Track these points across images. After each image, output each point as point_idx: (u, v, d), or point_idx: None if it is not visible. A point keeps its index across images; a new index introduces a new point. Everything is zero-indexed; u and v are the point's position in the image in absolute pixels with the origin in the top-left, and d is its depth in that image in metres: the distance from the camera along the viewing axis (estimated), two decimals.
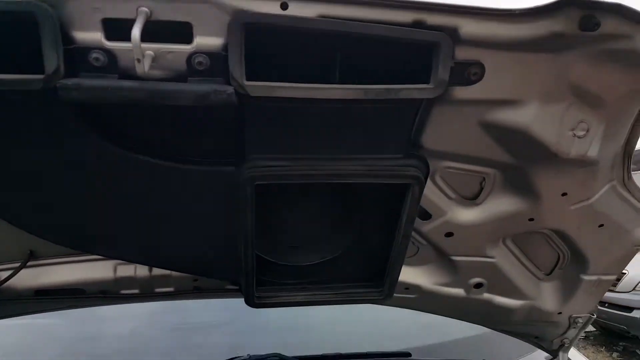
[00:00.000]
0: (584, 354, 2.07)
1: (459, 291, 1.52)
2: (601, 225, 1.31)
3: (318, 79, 0.90)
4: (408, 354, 1.77)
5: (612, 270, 1.46)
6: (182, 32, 0.84)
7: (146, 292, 1.45)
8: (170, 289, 1.46)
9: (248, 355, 1.66)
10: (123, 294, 1.46)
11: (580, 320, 1.61)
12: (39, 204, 1.11)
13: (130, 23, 0.80)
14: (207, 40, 0.85)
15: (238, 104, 0.87)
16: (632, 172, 1.24)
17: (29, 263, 1.32)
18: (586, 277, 1.47)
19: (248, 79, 0.86)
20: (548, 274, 1.51)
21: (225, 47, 0.85)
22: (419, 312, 1.77)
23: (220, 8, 0.83)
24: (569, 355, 1.84)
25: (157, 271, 1.41)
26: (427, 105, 1.00)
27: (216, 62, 0.85)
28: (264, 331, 1.99)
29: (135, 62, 0.82)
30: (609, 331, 6.98)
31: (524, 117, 1.03)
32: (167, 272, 1.41)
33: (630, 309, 6.07)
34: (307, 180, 1.08)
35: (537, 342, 1.77)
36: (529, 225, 1.32)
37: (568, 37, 0.89)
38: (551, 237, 1.38)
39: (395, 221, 1.20)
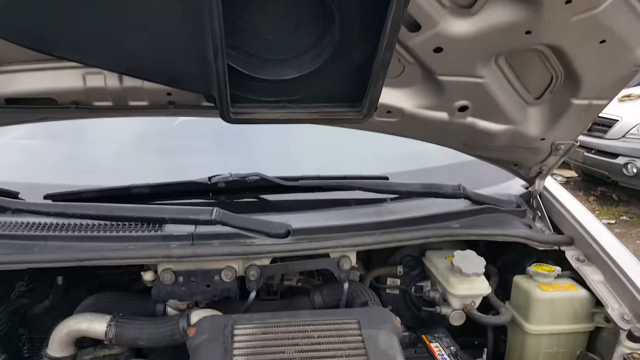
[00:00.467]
0: None
1: (442, 115, 1.49)
2: (602, 42, 1.22)
3: None
4: (386, 178, 1.82)
5: (605, 94, 1.42)
6: None
7: (119, 104, 1.41)
8: (144, 103, 1.42)
9: (229, 173, 1.70)
10: (96, 105, 1.42)
11: (562, 147, 1.62)
12: None
13: None
14: None
15: None
16: None
17: None
18: (577, 102, 1.43)
19: None
20: (537, 98, 1.46)
21: None
22: (398, 141, 1.78)
23: None
24: (544, 184, 1.90)
25: (128, 82, 1.35)
26: None
27: None
28: (246, 153, 2.02)
29: None
30: (590, 177, 7.28)
31: None
32: (139, 83, 1.35)
33: (615, 155, 6.23)
34: None
35: (515, 169, 1.81)
36: (526, 40, 1.23)
37: None
38: (546, 54, 1.30)
39: (380, 28, 1.11)
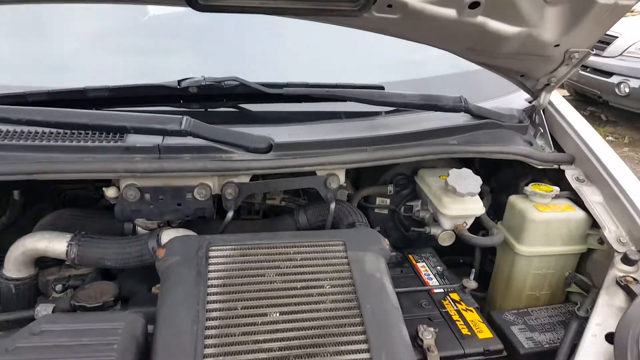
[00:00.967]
0: None
1: (450, 12, 1.29)
2: None
3: None
4: (381, 87, 1.65)
5: None
6: None
7: None
8: None
9: (203, 77, 1.51)
10: None
11: (576, 55, 1.46)
12: None
13: None
14: None
15: None
16: None
17: None
18: (602, 0, 1.25)
19: None
20: None
21: None
22: (395, 47, 1.59)
23: None
24: (550, 97, 1.76)
25: None
26: None
27: None
28: (225, 56, 1.80)
29: None
30: (582, 96, 7.19)
31: None
32: None
33: (610, 74, 6.10)
34: None
35: (521, 80, 1.65)
36: None
37: None
38: None
39: None
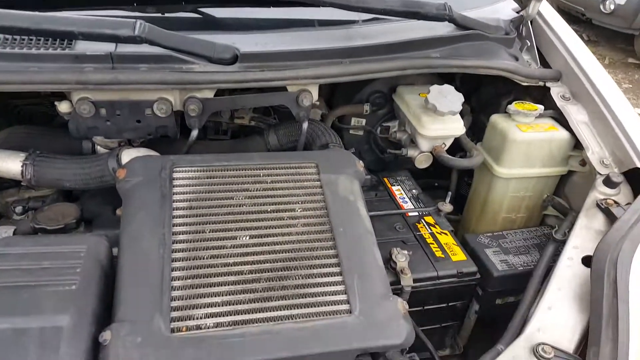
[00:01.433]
0: None
1: None
2: None
3: None
4: None
5: None
6: None
7: None
8: None
9: None
10: None
11: None
12: None
13: None
14: None
15: None
16: None
17: None
18: None
19: None
20: None
21: None
22: None
23: None
24: (539, 7, 1.70)
25: None
26: None
27: None
28: None
29: None
30: (565, 14, 7.06)
31: None
32: None
33: None
34: None
35: None
36: None
37: None
38: None
39: None
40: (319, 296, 1.00)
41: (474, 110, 1.90)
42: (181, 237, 1.06)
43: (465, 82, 1.86)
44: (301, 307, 0.98)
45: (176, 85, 1.21)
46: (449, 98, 1.52)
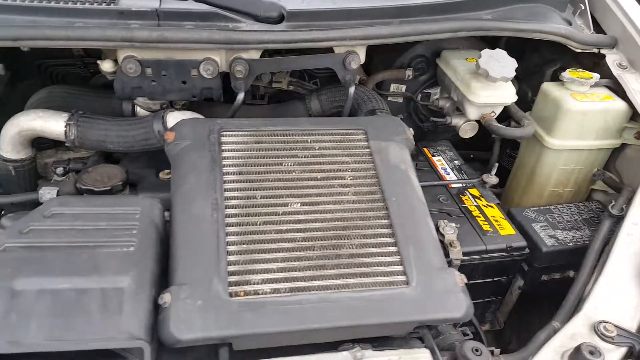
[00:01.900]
0: None
1: None
2: None
3: None
4: None
5: None
6: None
7: None
8: None
9: None
10: None
11: None
12: None
13: None
14: None
15: None
16: None
17: None
18: None
19: None
20: None
21: None
22: None
23: None
24: None
25: None
26: None
27: None
28: None
29: None
30: None
31: None
32: None
33: None
34: None
35: None
36: None
37: None
38: None
39: None
40: (374, 266, 1.01)
41: (517, 78, 1.86)
42: (233, 202, 1.07)
43: (508, 48, 1.82)
44: (356, 277, 0.99)
45: (224, 44, 1.20)
46: (502, 63, 1.49)
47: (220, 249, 0.97)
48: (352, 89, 1.39)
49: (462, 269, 1.30)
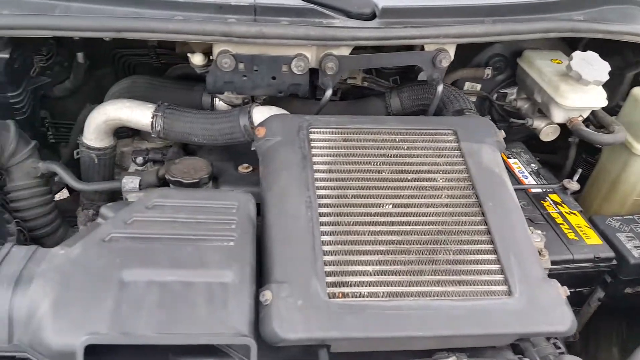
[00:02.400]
0: None
1: None
2: None
3: None
4: None
5: None
6: None
7: None
8: None
9: None
10: None
11: None
12: None
13: None
14: None
15: None
16: None
17: None
18: None
19: None
20: None
21: None
22: None
23: None
24: None
25: None
26: None
27: None
28: None
29: None
30: None
31: None
32: None
33: None
34: None
35: None
36: None
37: None
38: None
39: None
40: (474, 274, 0.98)
41: None
42: (325, 200, 1.06)
43: (592, 49, 1.76)
44: (455, 284, 0.97)
45: (318, 40, 1.19)
46: (595, 66, 1.44)
47: (317, 249, 0.97)
48: (440, 88, 1.37)
49: None
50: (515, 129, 1.82)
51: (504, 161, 1.66)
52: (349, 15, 1.24)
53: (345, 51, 1.28)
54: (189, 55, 1.29)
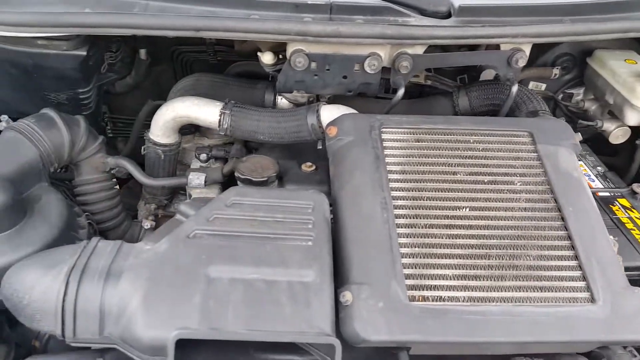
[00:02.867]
0: None
1: None
2: None
3: None
4: None
5: None
6: None
7: None
8: None
9: None
10: None
11: None
12: None
13: None
14: None
15: None
16: None
17: None
18: None
19: None
20: None
21: None
22: None
23: None
24: None
25: None
26: None
27: None
28: None
29: None
30: None
31: None
32: None
33: None
34: None
35: None
36: None
37: None
38: None
39: None
40: (555, 280, 0.98)
41: None
42: (400, 202, 1.07)
43: None
44: (537, 290, 0.96)
45: (394, 39, 1.19)
46: None
47: (394, 250, 0.98)
48: (515, 88, 1.35)
49: None
50: (581, 130, 1.79)
51: None
52: (423, 13, 1.24)
53: (420, 50, 1.27)
54: (258, 54, 1.31)
